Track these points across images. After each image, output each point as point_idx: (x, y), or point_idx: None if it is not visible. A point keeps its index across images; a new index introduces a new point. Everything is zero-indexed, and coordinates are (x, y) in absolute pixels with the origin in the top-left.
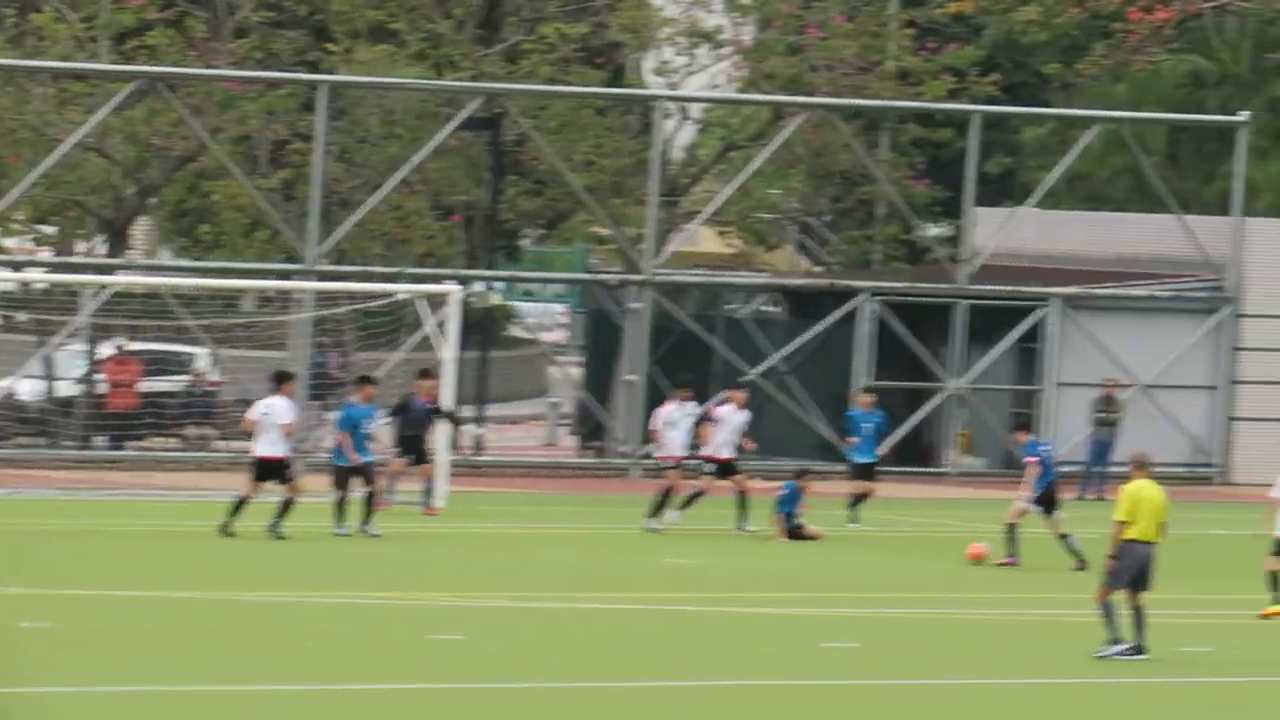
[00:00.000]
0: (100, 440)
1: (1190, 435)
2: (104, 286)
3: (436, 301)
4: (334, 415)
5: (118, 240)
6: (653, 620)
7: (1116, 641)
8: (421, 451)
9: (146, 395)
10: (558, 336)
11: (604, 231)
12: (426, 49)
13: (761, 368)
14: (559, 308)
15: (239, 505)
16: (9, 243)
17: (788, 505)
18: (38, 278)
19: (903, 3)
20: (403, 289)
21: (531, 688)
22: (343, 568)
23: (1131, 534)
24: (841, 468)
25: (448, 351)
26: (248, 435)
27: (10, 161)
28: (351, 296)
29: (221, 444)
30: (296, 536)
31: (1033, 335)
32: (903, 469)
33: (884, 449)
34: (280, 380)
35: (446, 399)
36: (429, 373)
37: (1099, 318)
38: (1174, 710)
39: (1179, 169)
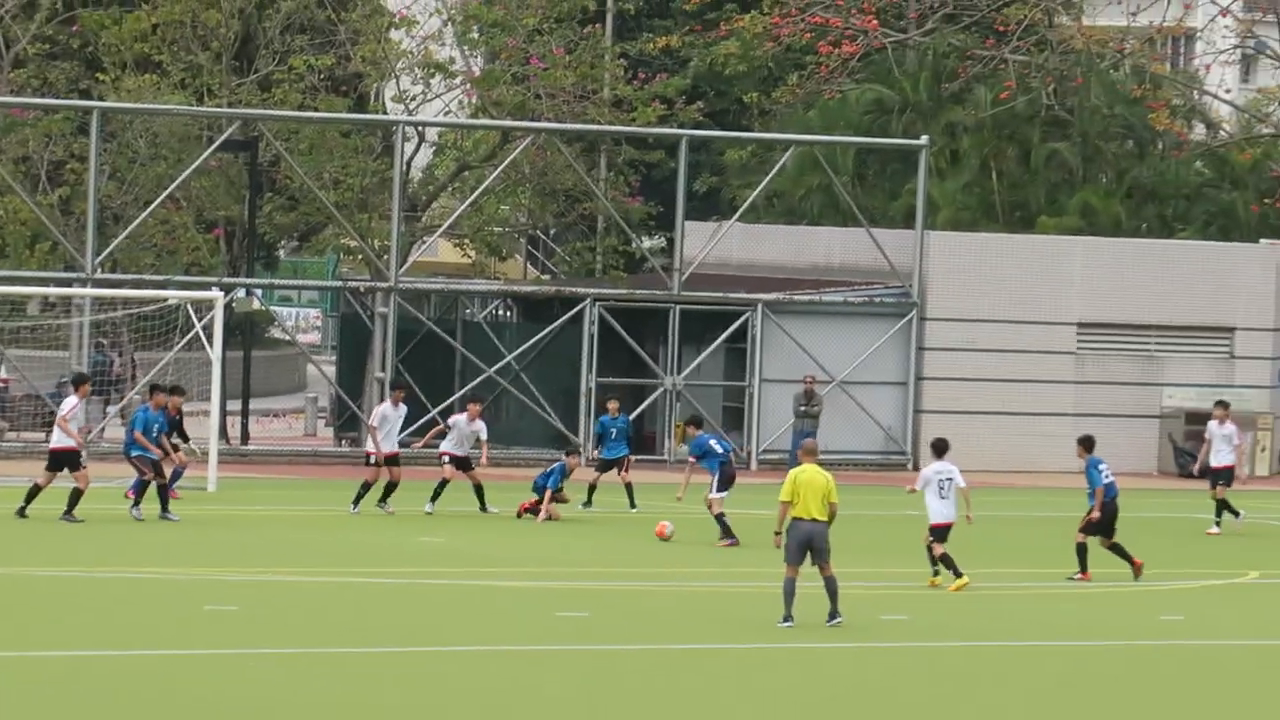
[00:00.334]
0: None
1: (883, 426)
2: None
3: (203, 306)
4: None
5: None
6: (407, 593)
7: (787, 619)
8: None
9: None
10: (313, 338)
11: (352, 243)
12: (188, 78)
13: (497, 366)
14: (313, 312)
15: (34, 492)
16: None
17: (555, 480)
18: None
19: (616, 37)
20: (172, 295)
21: (299, 653)
22: (128, 548)
23: (797, 512)
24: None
25: (215, 351)
26: (36, 428)
27: None
28: (126, 302)
29: (12, 435)
30: (89, 519)
31: (740, 336)
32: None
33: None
34: (77, 383)
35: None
36: (178, 389)
37: (798, 321)
38: (872, 672)
39: (866, 187)
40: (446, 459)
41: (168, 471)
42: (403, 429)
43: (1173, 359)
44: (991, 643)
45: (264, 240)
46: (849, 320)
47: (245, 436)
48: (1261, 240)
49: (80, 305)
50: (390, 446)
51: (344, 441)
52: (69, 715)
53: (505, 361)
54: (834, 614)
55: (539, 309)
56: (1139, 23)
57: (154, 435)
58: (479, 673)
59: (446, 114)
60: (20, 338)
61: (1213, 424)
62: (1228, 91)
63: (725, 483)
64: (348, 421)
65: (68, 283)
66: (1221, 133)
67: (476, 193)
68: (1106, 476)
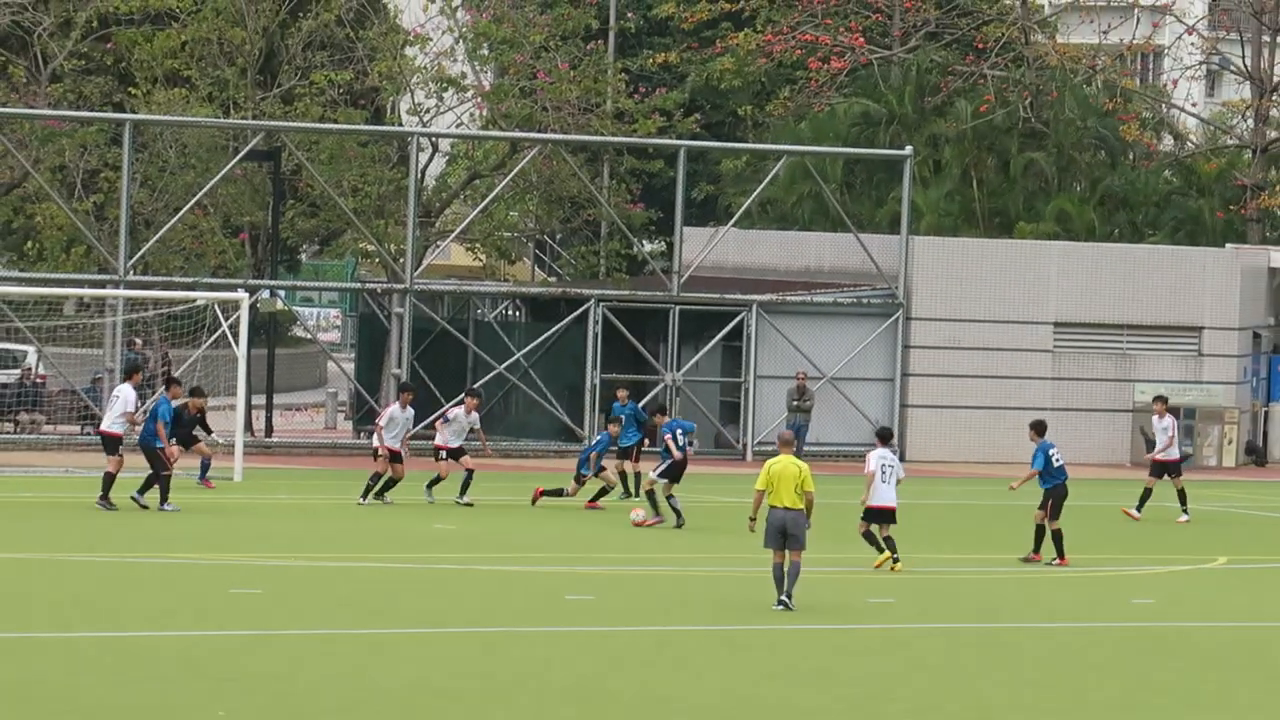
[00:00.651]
0: None
1: (871, 420)
2: None
3: (229, 306)
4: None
5: None
6: (422, 577)
7: (780, 601)
8: (191, 441)
9: None
10: (333, 336)
11: (370, 247)
12: (215, 92)
13: (507, 363)
14: (333, 312)
15: (109, 479)
16: None
17: (602, 447)
18: None
19: (618, 53)
20: (200, 295)
21: (318, 634)
22: (158, 534)
23: (772, 501)
24: (574, 447)
25: (240, 348)
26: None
27: None
28: (157, 302)
29: (49, 428)
30: (122, 507)
31: (736, 335)
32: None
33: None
34: (130, 372)
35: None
36: (199, 391)
37: (791, 320)
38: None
39: (854, 195)
40: (444, 454)
41: (183, 465)
42: (416, 422)
43: (1144, 356)
44: (970, 625)
45: (286, 244)
46: (838, 320)
47: (269, 429)
48: (1227, 245)
49: (113, 306)
50: (395, 445)
51: (363, 434)
52: (104, 691)
53: (515, 359)
54: (786, 596)
55: (546, 309)
56: (1110, 40)
57: (168, 428)
58: (492, 651)
59: (458, 126)
60: (56, 336)
61: (1154, 417)
62: (1194, 105)
63: (673, 470)
64: (366, 415)
65: (101, 284)
66: (1188, 144)
67: (487, 200)
68: (1057, 460)
